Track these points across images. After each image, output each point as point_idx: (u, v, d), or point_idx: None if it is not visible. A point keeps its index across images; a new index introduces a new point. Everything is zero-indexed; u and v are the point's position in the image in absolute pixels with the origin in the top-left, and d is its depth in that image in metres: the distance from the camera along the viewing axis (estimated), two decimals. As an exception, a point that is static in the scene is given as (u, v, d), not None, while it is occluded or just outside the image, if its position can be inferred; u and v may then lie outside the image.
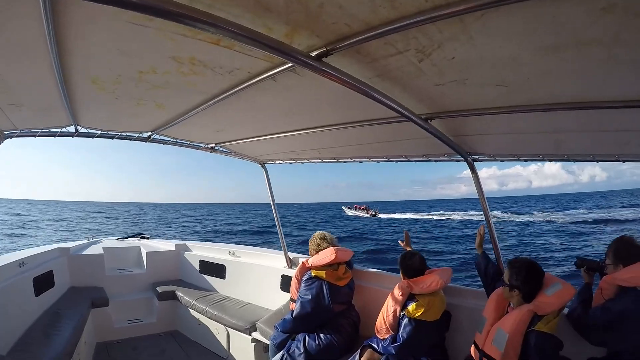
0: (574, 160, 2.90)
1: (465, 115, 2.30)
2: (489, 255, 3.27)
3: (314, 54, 1.48)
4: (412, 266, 3.20)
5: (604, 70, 1.51)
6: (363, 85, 1.66)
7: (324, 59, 1.49)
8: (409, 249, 3.72)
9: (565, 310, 2.67)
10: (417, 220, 59.34)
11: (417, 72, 1.74)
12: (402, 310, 3.05)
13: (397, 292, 3.11)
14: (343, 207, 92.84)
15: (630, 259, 2.42)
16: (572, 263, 3.02)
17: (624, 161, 2.70)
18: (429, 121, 2.37)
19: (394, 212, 79.04)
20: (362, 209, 78.26)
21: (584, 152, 2.78)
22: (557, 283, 2.49)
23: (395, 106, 1.90)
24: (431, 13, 1.15)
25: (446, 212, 73.62)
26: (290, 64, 1.68)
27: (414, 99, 2.12)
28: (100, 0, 0.92)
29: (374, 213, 72.30)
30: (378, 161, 3.86)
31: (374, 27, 1.30)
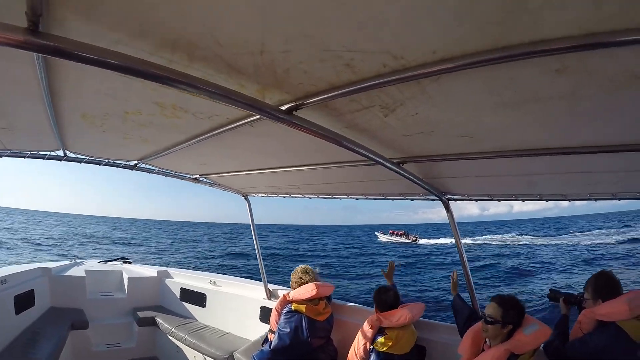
0: (547, 200, 2.95)
1: (435, 161, 2.39)
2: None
3: (284, 107, 1.57)
4: (387, 301, 3.27)
5: (567, 121, 1.58)
6: (333, 135, 1.74)
7: (294, 113, 1.59)
8: (389, 281, 3.78)
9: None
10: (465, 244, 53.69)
11: (384, 125, 1.84)
12: (371, 343, 3.09)
13: (367, 326, 3.17)
14: (377, 233, 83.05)
15: (610, 294, 2.45)
16: (545, 295, 3.07)
17: (596, 199, 2.77)
18: (401, 165, 2.45)
19: (433, 238, 71.39)
20: (401, 234, 70.00)
21: (557, 192, 2.85)
22: (535, 323, 2.49)
23: (366, 153, 1.97)
24: (389, 77, 1.25)
25: (478, 237, 68.32)
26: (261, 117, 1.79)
27: (384, 145, 2.21)
28: (85, 61, 0.99)
29: (414, 238, 65.06)
30: (357, 198, 3.94)
31: (337, 87, 1.41)
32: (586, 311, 2.52)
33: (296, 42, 1.13)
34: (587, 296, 2.59)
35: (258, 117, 1.85)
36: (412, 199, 3.55)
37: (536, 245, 47.83)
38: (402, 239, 67.23)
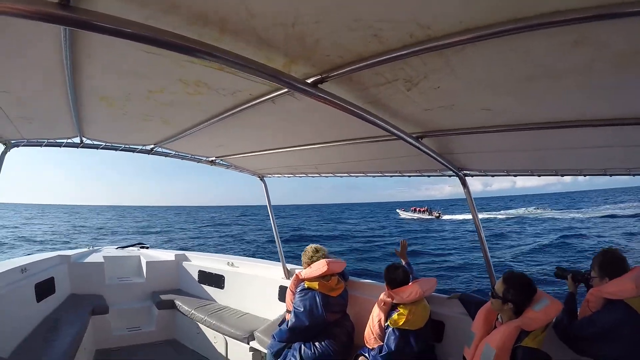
0: (562, 175, 2.96)
1: (454, 134, 2.40)
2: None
3: (309, 80, 1.59)
4: (396, 278, 3.33)
5: (582, 94, 1.60)
6: (356, 109, 1.75)
7: (319, 85, 1.60)
8: (403, 260, 3.83)
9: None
10: (488, 219, 54.92)
11: (406, 99, 1.86)
12: (386, 320, 3.17)
13: (380, 303, 3.25)
14: (398, 210, 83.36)
15: (616, 272, 2.47)
16: (552, 273, 3.10)
17: (611, 175, 2.78)
18: (420, 139, 2.46)
19: (454, 214, 70.87)
20: (423, 210, 69.54)
21: (572, 167, 2.85)
22: (545, 299, 2.50)
23: (387, 127, 1.98)
24: (415, 47, 1.26)
25: (497, 211, 69.49)
26: (287, 90, 1.79)
27: (404, 120, 2.23)
28: (117, 34, 1.01)
29: (437, 215, 65.22)
30: (374, 176, 3.97)
31: (364, 58, 1.42)
32: (593, 290, 2.56)
33: (329, 12, 1.14)
34: (594, 274, 2.62)
35: (281, 92, 1.87)
36: (429, 176, 3.57)
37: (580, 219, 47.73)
38: (425, 216, 67.00)
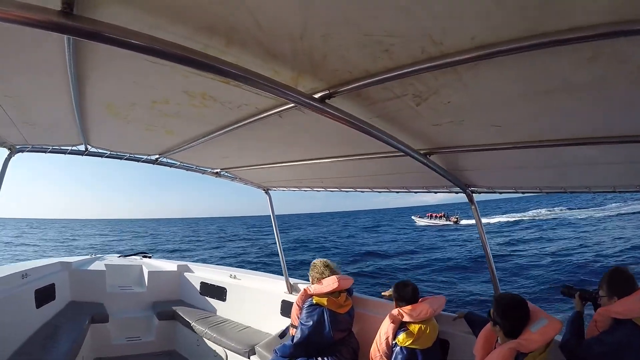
0: (571, 192, 2.95)
1: (462, 151, 2.37)
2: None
3: (317, 95, 1.56)
4: (405, 296, 3.25)
5: (596, 110, 1.57)
6: (363, 124, 1.72)
7: (326, 101, 1.57)
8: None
9: (559, 338, 2.65)
10: (513, 222, 52.47)
11: (415, 114, 1.83)
12: (393, 339, 3.08)
13: (388, 321, 3.16)
14: (413, 217, 78.65)
15: (625, 291, 2.42)
16: (559, 291, 3.04)
17: (620, 192, 2.77)
18: (427, 156, 2.43)
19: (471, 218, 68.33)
20: (440, 216, 67.04)
21: (581, 185, 2.83)
22: (543, 318, 2.43)
23: (394, 142, 1.95)
24: (426, 63, 1.23)
25: (518, 214, 65.86)
26: (294, 104, 1.77)
27: (412, 136, 2.20)
28: (119, 45, 0.99)
29: (456, 220, 62.43)
30: (379, 191, 3.94)
31: (373, 74, 1.39)
32: (601, 309, 2.50)
33: (338, 26, 1.11)
34: (602, 293, 2.56)
35: (288, 106, 1.84)
36: (435, 192, 3.54)
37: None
38: (442, 222, 64.10)
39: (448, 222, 63.09)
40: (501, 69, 1.28)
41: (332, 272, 3.78)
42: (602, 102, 1.47)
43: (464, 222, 60.99)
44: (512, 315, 2.44)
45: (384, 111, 1.82)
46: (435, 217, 68.31)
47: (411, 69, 1.28)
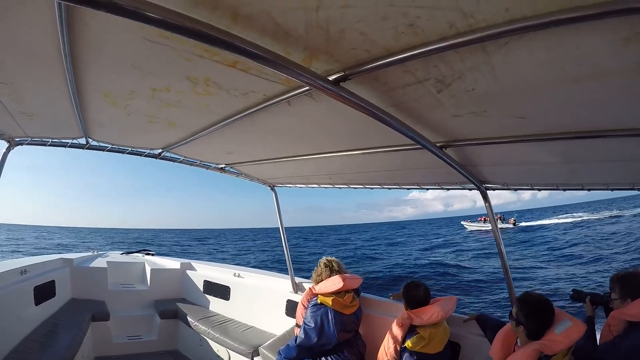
0: (588, 189, 2.87)
1: (480, 144, 2.28)
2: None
3: (331, 78, 1.46)
4: (417, 297, 3.14)
5: (623, 100, 1.49)
6: (379, 112, 1.62)
7: (341, 84, 1.47)
8: None
9: None
10: (575, 223, 52.22)
11: (435, 103, 1.72)
12: (403, 342, 2.97)
13: (397, 325, 3.05)
14: (462, 223, 72.27)
15: (638, 293, 2.37)
16: (569, 296, 2.97)
17: (639, 190, 2.70)
18: (443, 149, 2.34)
19: (533, 220, 66.92)
20: (496, 219, 62.34)
21: (599, 182, 2.77)
22: (567, 320, 2.34)
23: (411, 134, 1.87)
24: (454, 39, 1.13)
25: (566, 215, 66.76)
26: (306, 88, 1.66)
27: (429, 128, 2.10)
28: (120, 12, 0.89)
29: (513, 222, 59.22)
30: (389, 188, 3.84)
31: (394, 52, 1.28)
32: (615, 312, 2.44)
33: None
34: (615, 296, 2.51)
35: (298, 92, 1.73)
36: (448, 189, 3.45)
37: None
38: (500, 225, 56.61)
39: (507, 225, 59.40)
40: (531, 49, 1.18)
41: (336, 272, 3.68)
42: (632, 91, 1.38)
43: (522, 224, 59.51)
44: (538, 316, 2.35)
45: (402, 99, 1.71)
46: (489, 221, 63.03)
47: (437, 46, 1.17)
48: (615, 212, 58.31)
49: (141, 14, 0.91)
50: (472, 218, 74.82)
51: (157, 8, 0.92)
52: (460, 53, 1.25)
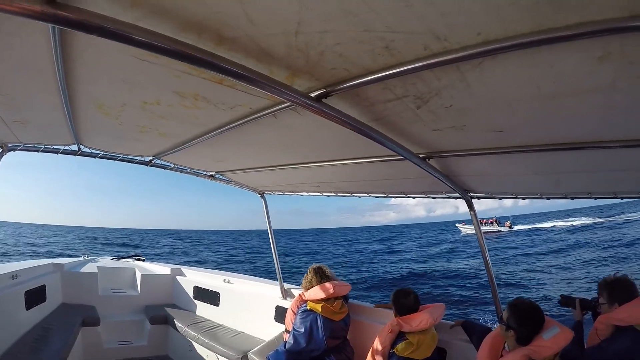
0: (572, 198, 2.92)
1: (462, 156, 2.33)
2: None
3: (313, 95, 1.50)
4: (406, 304, 3.17)
5: (601, 114, 1.53)
6: (361, 126, 1.67)
7: (323, 100, 1.51)
8: None
9: None
10: (581, 227, 50.04)
11: (415, 118, 1.77)
12: (391, 348, 3.01)
13: (387, 330, 3.09)
14: (457, 225, 72.14)
15: (626, 298, 2.40)
16: (557, 301, 3.00)
17: (621, 198, 2.76)
18: (426, 160, 2.39)
19: (528, 223, 64.69)
20: (491, 222, 61.38)
21: (582, 190, 2.81)
22: (555, 327, 2.39)
23: (393, 145, 1.91)
24: (429, 60, 1.17)
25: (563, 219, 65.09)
26: (289, 104, 1.71)
27: (411, 140, 2.15)
28: (112, 37, 0.94)
29: (509, 225, 58.30)
30: (377, 196, 3.88)
31: (372, 71, 1.33)
32: (602, 317, 2.48)
33: (336, 21, 1.05)
34: (602, 301, 2.55)
35: (283, 106, 1.78)
36: (434, 197, 3.50)
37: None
38: (495, 228, 59.48)
39: (502, 229, 59.23)
40: (506, 68, 1.23)
41: (326, 279, 3.69)
42: (608, 107, 1.44)
43: (517, 227, 58.49)
44: (529, 322, 2.40)
45: (383, 113, 1.76)
46: (485, 223, 61.67)
47: (412, 66, 1.22)
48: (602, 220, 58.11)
49: (132, 38, 0.96)
50: (459, 222, 74.04)
51: (147, 32, 0.97)
52: (435, 72, 1.30)
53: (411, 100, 1.57)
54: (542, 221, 69.25)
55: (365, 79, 1.37)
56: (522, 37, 1.00)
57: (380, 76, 1.32)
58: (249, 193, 4.76)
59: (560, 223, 58.19)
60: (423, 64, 1.19)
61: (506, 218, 68.59)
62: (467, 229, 62.64)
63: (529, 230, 55.23)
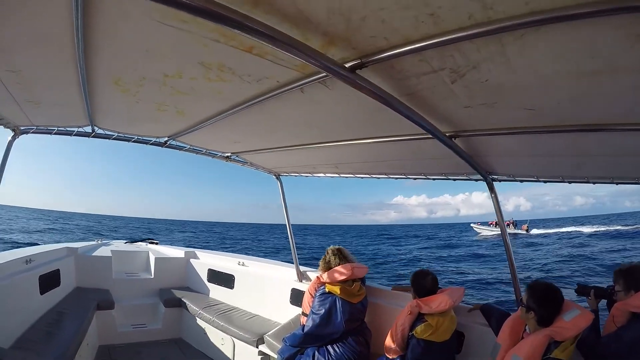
0: (594, 182, 2.89)
1: (489, 135, 2.29)
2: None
3: (347, 65, 1.46)
4: (425, 286, 3.15)
5: (634, 95, 1.51)
6: (392, 100, 1.63)
7: (357, 71, 1.48)
8: None
9: None
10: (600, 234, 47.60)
11: (448, 93, 1.73)
12: (410, 330, 3.00)
13: (406, 312, 3.07)
14: (472, 225, 67.05)
15: None
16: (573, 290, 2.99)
17: None
18: (452, 139, 2.35)
19: (546, 228, 62.61)
20: (507, 224, 45.33)
21: (604, 175, 2.79)
22: (575, 309, 2.41)
23: (423, 123, 1.88)
24: (472, 30, 1.14)
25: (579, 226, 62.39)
26: (321, 75, 1.67)
27: (440, 117, 2.11)
28: None
29: (526, 228, 55.38)
30: (396, 178, 3.84)
31: (412, 41, 1.29)
32: (619, 304, 2.48)
33: None
34: (618, 288, 2.53)
35: (312, 79, 1.73)
36: (454, 179, 3.46)
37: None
38: (511, 230, 54.13)
39: (519, 231, 55.47)
40: (547, 42, 1.19)
41: (344, 261, 3.66)
42: None
43: (534, 231, 55.92)
44: (549, 303, 2.41)
45: (416, 88, 1.71)
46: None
47: (454, 36, 1.18)
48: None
49: None
50: (463, 225, 71.95)
51: None
52: (476, 43, 1.26)
53: (447, 74, 1.53)
54: (564, 226, 67.94)
55: (403, 49, 1.32)
56: (567, 9, 0.98)
57: (418, 46, 1.28)
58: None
59: (573, 228, 56.90)
60: (465, 34, 1.16)
61: (523, 221, 66.28)
62: (483, 229, 60.09)
63: (554, 234, 52.88)
